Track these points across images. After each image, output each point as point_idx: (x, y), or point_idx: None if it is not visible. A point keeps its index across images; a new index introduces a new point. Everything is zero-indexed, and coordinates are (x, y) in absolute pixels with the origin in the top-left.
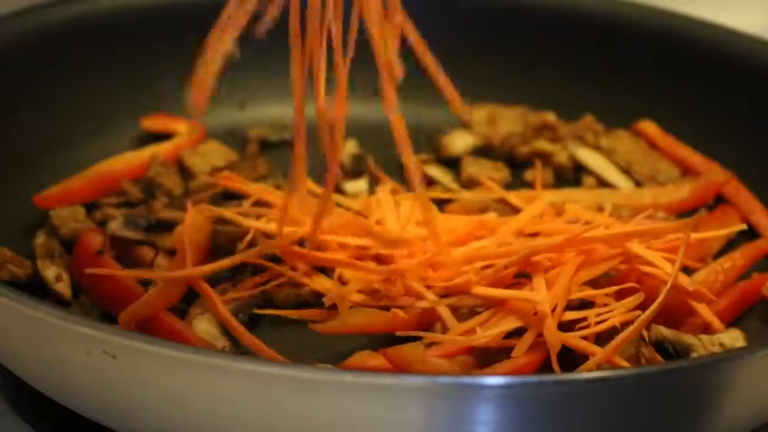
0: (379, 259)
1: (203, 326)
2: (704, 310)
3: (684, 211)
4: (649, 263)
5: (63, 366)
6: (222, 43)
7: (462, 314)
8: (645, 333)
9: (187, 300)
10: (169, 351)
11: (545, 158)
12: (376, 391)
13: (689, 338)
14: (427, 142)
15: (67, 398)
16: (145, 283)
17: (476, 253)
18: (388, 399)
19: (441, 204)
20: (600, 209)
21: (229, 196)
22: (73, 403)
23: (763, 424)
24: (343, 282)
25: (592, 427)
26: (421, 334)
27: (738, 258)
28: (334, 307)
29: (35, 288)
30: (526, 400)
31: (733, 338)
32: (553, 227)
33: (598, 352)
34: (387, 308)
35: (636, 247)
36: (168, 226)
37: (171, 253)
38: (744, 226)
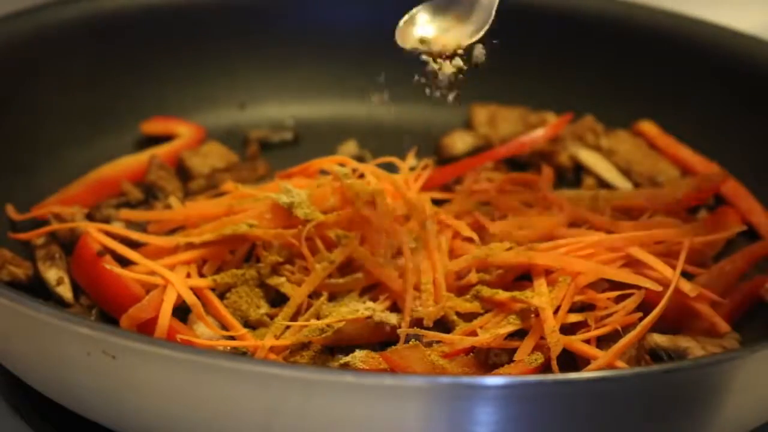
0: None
1: (204, 328)
2: (709, 313)
3: (682, 211)
4: (650, 268)
5: (63, 367)
6: None
7: (463, 315)
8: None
9: None
10: (169, 351)
11: (545, 158)
12: (376, 391)
13: (686, 341)
14: (428, 142)
15: (67, 399)
16: None
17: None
18: (388, 399)
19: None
20: (600, 210)
21: None
22: (73, 404)
23: (763, 424)
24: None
25: (592, 427)
26: (421, 333)
27: (738, 260)
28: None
29: (35, 289)
30: (526, 400)
31: (732, 340)
32: (556, 232)
33: (600, 356)
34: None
35: (637, 252)
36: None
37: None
38: (744, 228)
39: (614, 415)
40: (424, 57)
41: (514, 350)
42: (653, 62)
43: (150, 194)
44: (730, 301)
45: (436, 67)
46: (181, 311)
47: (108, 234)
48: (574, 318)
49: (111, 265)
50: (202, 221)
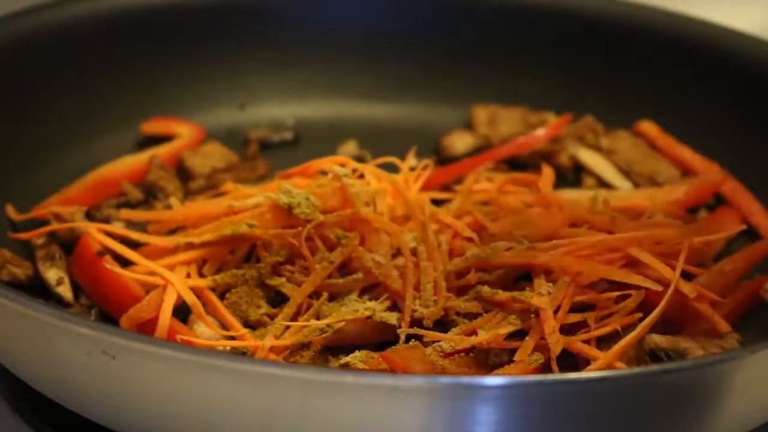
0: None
1: (204, 328)
2: (709, 313)
3: (681, 211)
4: (650, 268)
5: (63, 366)
6: None
7: (463, 315)
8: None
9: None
10: (169, 351)
11: (545, 158)
12: (376, 391)
13: (685, 342)
14: (428, 142)
15: (67, 398)
16: None
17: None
18: (388, 399)
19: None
20: (600, 210)
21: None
22: (73, 404)
23: (763, 424)
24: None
25: (592, 427)
26: (421, 333)
27: (738, 260)
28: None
29: (35, 289)
30: (526, 400)
31: (732, 340)
32: (556, 232)
33: (600, 356)
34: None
35: (637, 252)
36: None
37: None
38: (744, 227)
39: (614, 415)
40: None
41: (514, 350)
42: (653, 62)
43: (150, 194)
44: (730, 301)
45: None
46: (181, 311)
47: (108, 234)
48: (574, 318)
49: (111, 265)
50: (202, 221)
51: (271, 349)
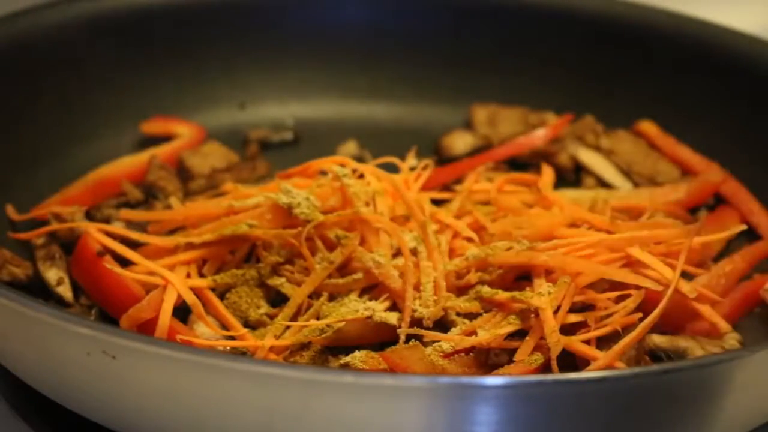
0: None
1: (204, 328)
2: (709, 313)
3: (681, 211)
4: (650, 268)
5: (63, 367)
6: None
7: (463, 315)
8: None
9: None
10: (169, 351)
11: (545, 158)
12: (376, 391)
13: (685, 342)
14: (428, 142)
15: (67, 399)
16: None
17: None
18: (388, 399)
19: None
20: (600, 210)
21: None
22: (73, 404)
23: (763, 424)
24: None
25: (592, 427)
26: (421, 333)
27: (738, 261)
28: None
29: (36, 289)
30: (526, 400)
31: (732, 340)
32: (556, 231)
33: (600, 357)
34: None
35: (637, 252)
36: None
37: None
38: (744, 227)
39: (614, 415)
40: None
41: (514, 350)
42: (653, 62)
43: (150, 194)
44: (730, 301)
45: None
46: (181, 311)
47: (108, 234)
48: (574, 318)
49: (111, 265)
50: (202, 221)
51: (271, 349)
